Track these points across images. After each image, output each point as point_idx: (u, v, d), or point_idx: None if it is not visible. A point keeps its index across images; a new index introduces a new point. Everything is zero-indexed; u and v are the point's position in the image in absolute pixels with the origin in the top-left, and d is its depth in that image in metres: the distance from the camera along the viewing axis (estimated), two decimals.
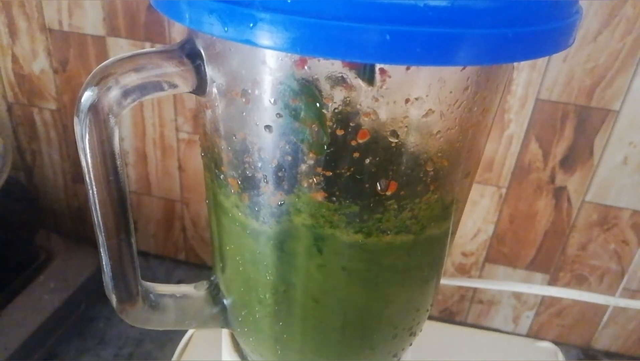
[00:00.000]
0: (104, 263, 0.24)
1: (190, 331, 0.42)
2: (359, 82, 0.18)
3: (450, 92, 0.19)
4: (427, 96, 0.19)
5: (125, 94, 0.19)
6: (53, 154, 0.59)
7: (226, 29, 0.16)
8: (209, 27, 0.17)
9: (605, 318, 0.54)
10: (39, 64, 0.53)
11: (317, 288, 0.24)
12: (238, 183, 0.22)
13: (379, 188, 0.21)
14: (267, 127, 0.20)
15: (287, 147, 0.20)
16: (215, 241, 0.27)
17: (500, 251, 0.52)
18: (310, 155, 0.20)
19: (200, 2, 0.17)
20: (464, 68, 0.19)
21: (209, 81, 0.21)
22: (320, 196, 0.21)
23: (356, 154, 0.20)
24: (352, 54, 0.15)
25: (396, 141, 0.20)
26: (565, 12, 0.18)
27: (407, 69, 0.18)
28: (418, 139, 0.20)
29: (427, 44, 0.15)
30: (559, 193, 0.48)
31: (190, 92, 0.21)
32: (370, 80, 0.18)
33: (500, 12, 0.16)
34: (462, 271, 0.54)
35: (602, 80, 0.42)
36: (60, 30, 0.50)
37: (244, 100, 0.20)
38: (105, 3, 0.47)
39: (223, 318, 0.29)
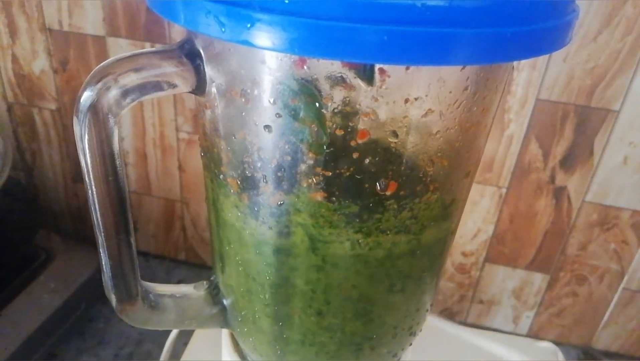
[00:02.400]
0: (103, 263, 0.24)
1: (174, 331, 0.42)
2: (359, 82, 0.18)
3: (450, 92, 0.19)
4: (426, 95, 0.19)
5: (125, 94, 0.19)
6: (53, 154, 0.59)
7: (223, 29, 0.16)
8: (206, 28, 0.17)
9: (605, 318, 0.54)
10: (39, 64, 0.53)
11: (316, 288, 0.24)
12: (237, 182, 0.22)
13: (379, 187, 0.21)
14: (267, 127, 0.20)
15: (286, 147, 0.20)
16: (215, 241, 0.27)
17: (501, 251, 0.52)
18: (310, 155, 0.20)
19: (197, 3, 0.17)
20: (463, 68, 0.19)
21: (208, 81, 0.21)
22: (319, 196, 0.21)
23: (356, 154, 0.20)
24: (350, 54, 0.15)
25: (396, 141, 0.20)
26: (561, 11, 0.18)
27: (407, 69, 0.18)
28: (417, 139, 0.20)
29: (425, 44, 0.15)
30: (559, 193, 0.48)
31: (190, 92, 0.21)
32: (369, 80, 0.18)
33: (497, 12, 0.16)
34: (462, 271, 0.54)
35: (602, 80, 0.42)
36: (60, 30, 0.50)
37: (243, 100, 0.20)
38: (105, 3, 0.47)
39: (223, 318, 0.29)
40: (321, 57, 0.17)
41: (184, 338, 0.45)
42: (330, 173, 0.20)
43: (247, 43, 0.16)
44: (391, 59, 0.16)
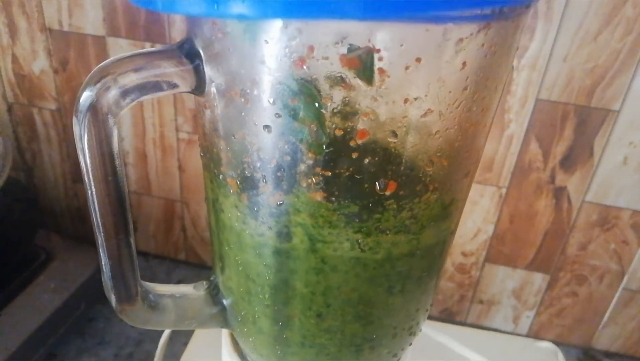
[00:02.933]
0: (103, 263, 0.24)
1: (167, 331, 0.42)
2: (358, 82, 0.18)
3: (450, 92, 0.19)
4: (426, 95, 0.19)
5: (124, 94, 0.19)
6: (53, 154, 0.59)
7: (216, 6, 0.16)
8: (198, 8, 0.17)
9: (605, 318, 0.54)
10: (39, 64, 0.53)
11: (316, 288, 0.24)
12: (237, 183, 0.22)
13: (378, 187, 0.21)
14: (266, 127, 0.20)
15: (286, 147, 0.20)
16: (214, 242, 0.27)
17: (501, 251, 0.52)
18: (309, 155, 0.20)
19: None
20: (463, 67, 0.19)
21: (207, 81, 0.21)
22: (319, 196, 0.21)
23: (355, 154, 0.20)
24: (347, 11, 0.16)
25: (395, 140, 0.20)
26: None
27: (406, 68, 0.18)
28: (417, 139, 0.20)
29: None
30: (559, 193, 0.48)
31: (190, 92, 0.21)
32: (369, 80, 0.18)
33: None
34: (462, 271, 0.54)
35: (602, 80, 0.42)
36: (60, 30, 0.50)
37: (242, 100, 0.20)
38: (105, 3, 0.48)
39: (222, 318, 0.29)
40: (319, 17, 0.17)
41: (184, 338, 0.45)
42: (330, 173, 0.20)
43: (243, 17, 0.16)
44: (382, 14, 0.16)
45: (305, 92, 0.19)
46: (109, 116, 0.20)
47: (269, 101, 0.19)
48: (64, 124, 0.56)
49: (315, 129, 0.19)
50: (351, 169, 0.20)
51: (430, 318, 0.30)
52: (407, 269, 0.24)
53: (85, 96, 0.19)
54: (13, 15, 0.50)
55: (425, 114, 0.19)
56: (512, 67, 0.43)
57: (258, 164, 0.21)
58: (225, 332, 0.32)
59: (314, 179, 0.20)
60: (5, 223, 0.49)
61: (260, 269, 0.24)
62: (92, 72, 0.19)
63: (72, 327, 0.50)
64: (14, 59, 0.53)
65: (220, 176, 0.23)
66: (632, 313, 0.53)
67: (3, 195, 0.45)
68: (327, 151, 0.20)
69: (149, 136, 0.55)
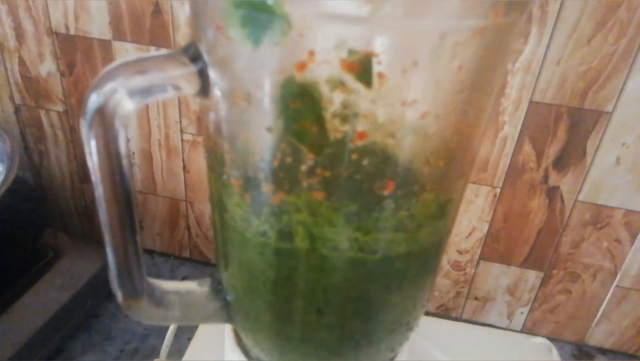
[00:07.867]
0: (110, 260, 0.23)
1: (172, 327, 0.41)
2: (358, 86, 0.18)
3: (446, 94, 0.19)
4: (423, 98, 0.19)
5: (131, 96, 0.19)
6: (60, 155, 0.59)
7: None
8: None
9: (598, 315, 0.54)
10: (46, 67, 0.53)
11: (316, 285, 0.24)
12: (240, 183, 0.23)
13: (377, 187, 0.21)
14: (268, 129, 0.20)
15: (287, 148, 0.20)
16: (218, 239, 0.27)
17: (495, 249, 0.52)
18: (310, 156, 0.20)
19: None
20: (459, 71, 0.19)
21: (212, 84, 0.21)
22: (319, 196, 0.21)
23: (354, 156, 0.20)
24: None
25: (393, 142, 0.20)
26: None
27: (404, 72, 0.18)
28: (414, 141, 0.20)
29: None
30: (552, 193, 0.48)
31: (194, 94, 0.21)
32: (368, 83, 0.18)
33: None
34: (458, 268, 0.55)
35: (595, 82, 0.42)
36: (66, 34, 0.51)
37: (245, 103, 0.20)
38: (111, 7, 0.48)
39: (226, 313, 0.28)
40: None
41: (189, 333, 0.45)
42: (330, 174, 0.20)
43: None
44: None
45: (307, 95, 0.19)
46: (116, 119, 0.20)
47: (271, 103, 0.19)
48: (71, 125, 0.57)
49: (315, 131, 0.19)
50: (350, 169, 0.20)
51: (426, 313, 0.31)
52: (404, 267, 0.24)
53: (92, 99, 0.19)
54: (20, 18, 0.51)
55: (422, 116, 0.19)
56: (507, 70, 0.43)
57: (260, 165, 0.21)
58: (228, 327, 0.32)
59: (314, 179, 0.21)
60: (13, 222, 0.49)
61: (262, 266, 0.24)
62: (99, 75, 0.19)
63: (78, 323, 0.51)
64: (21, 61, 0.53)
65: (224, 177, 0.23)
66: (625, 310, 0.53)
67: (11, 195, 0.46)
68: (327, 152, 0.20)
69: (155, 137, 0.55)
